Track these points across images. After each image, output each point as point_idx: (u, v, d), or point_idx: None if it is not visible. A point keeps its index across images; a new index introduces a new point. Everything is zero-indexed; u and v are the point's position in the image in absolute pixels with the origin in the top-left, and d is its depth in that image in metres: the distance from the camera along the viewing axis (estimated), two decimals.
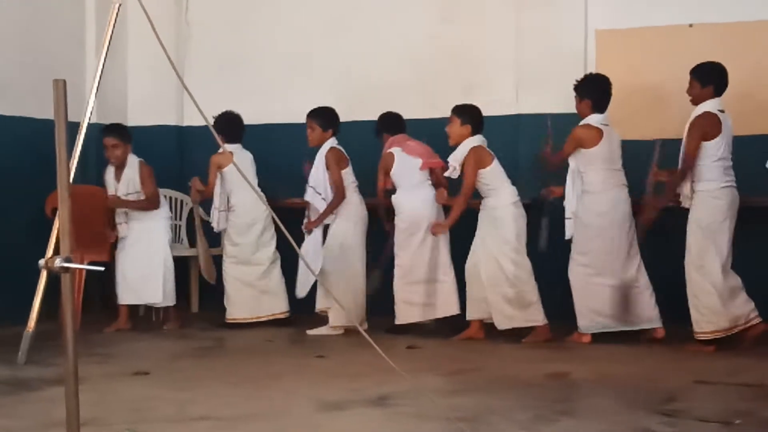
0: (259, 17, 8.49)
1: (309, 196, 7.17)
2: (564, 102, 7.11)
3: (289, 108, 8.22)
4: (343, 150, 7.20)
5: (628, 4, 7.48)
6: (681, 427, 4.13)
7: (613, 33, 7.47)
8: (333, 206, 7.07)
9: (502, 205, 6.74)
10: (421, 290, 6.97)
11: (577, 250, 6.56)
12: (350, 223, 7.15)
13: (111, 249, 7.59)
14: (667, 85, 7.21)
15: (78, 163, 2.74)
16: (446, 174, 6.87)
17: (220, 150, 7.27)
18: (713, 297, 6.13)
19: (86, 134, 2.76)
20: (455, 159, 6.76)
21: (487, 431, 4.10)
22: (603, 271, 6.50)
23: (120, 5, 2.73)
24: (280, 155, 8.02)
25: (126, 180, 7.30)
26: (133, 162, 7.31)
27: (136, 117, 8.53)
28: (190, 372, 5.67)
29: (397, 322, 7.00)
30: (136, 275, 7.28)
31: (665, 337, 6.48)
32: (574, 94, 6.62)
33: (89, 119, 2.84)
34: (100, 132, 7.32)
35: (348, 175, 7.18)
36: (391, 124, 7.31)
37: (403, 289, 7.00)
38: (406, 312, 7.00)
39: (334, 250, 7.06)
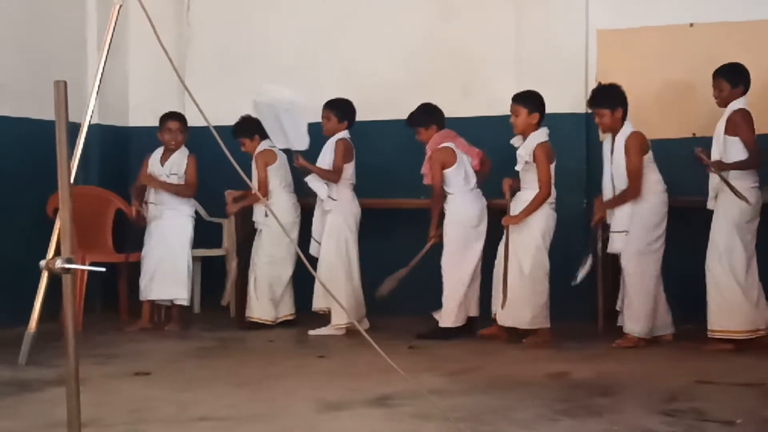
0: (259, 17, 8.49)
1: (311, 181, 7.14)
2: (564, 102, 7.12)
3: None
4: (352, 145, 7.18)
5: (629, 4, 7.48)
6: (682, 427, 4.13)
7: (614, 33, 7.48)
8: (325, 174, 7.04)
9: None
10: (468, 293, 6.93)
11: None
12: (341, 218, 7.12)
13: (114, 250, 7.61)
14: (668, 84, 7.23)
15: (79, 164, 2.74)
16: (517, 168, 6.65)
17: (261, 148, 7.37)
18: (738, 295, 6.12)
19: (87, 135, 2.77)
20: (526, 153, 6.55)
21: (486, 431, 4.10)
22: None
23: (121, 6, 2.73)
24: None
25: (171, 163, 7.37)
26: (183, 150, 7.40)
27: (137, 118, 8.54)
28: (192, 373, 5.68)
29: (446, 325, 6.81)
30: (163, 271, 7.29)
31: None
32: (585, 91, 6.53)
33: (90, 120, 2.84)
34: (163, 119, 7.41)
35: (349, 168, 7.16)
36: (436, 116, 7.06)
37: (460, 293, 6.83)
38: (457, 316, 6.84)
39: (331, 248, 7.05)
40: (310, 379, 5.37)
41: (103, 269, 2.82)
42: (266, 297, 7.32)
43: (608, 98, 6.46)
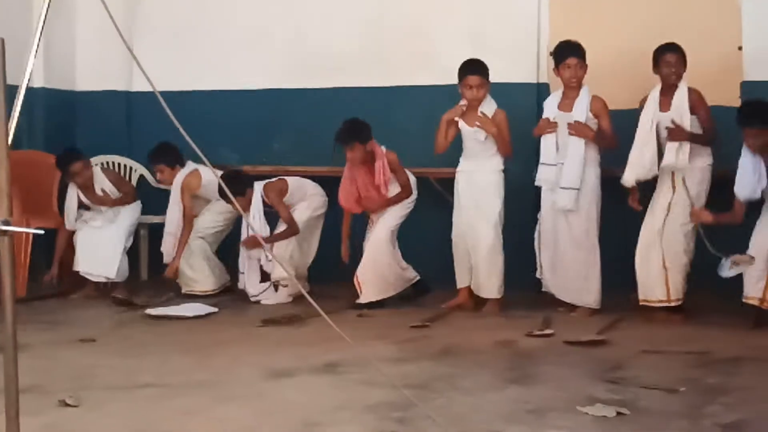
0: None
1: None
2: (517, 72, 7.11)
3: (239, 75, 8.14)
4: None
5: None
6: (626, 395, 4.17)
7: (567, 1, 7.46)
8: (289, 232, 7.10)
9: (497, 169, 6.67)
10: None
11: None
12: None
13: (59, 216, 7.51)
14: (621, 54, 7.22)
15: (24, 128, 2.69)
16: (479, 138, 6.59)
17: (182, 176, 7.38)
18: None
19: (33, 99, 2.70)
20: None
21: (433, 398, 4.11)
22: None
23: None
24: (231, 121, 7.95)
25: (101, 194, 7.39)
26: (101, 180, 7.39)
27: (84, 82, 8.38)
28: (138, 339, 5.62)
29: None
30: (96, 249, 7.23)
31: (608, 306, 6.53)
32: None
33: (33, 83, 2.77)
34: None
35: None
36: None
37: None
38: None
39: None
40: (257, 347, 5.35)
41: (41, 231, 2.76)
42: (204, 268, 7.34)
43: (582, 52, 6.45)
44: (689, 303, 6.31)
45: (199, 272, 7.32)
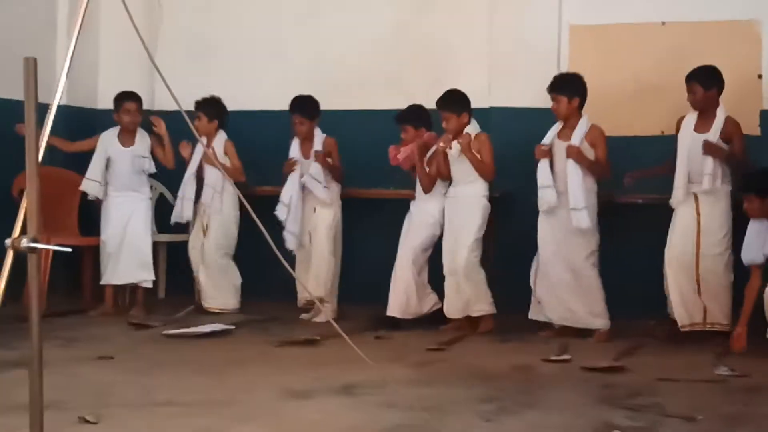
0: (232, 3, 8.44)
1: (309, 183, 7.19)
2: (536, 97, 7.12)
3: (259, 94, 8.20)
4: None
5: (602, 1, 7.50)
6: (644, 422, 4.16)
7: (587, 29, 7.49)
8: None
9: (479, 194, 6.78)
10: None
11: None
12: (337, 213, 7.30)
13: (80, 233, 7.55)
14: (640, 82, 7.25)
15: (46, 145, 2.71)
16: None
17: (224, 136, 7.51)
18: None
19: (55, 116, 2.73)
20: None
21: (451, 421, 4.11)
22: None
23: None
24: (250, 142, 7.98)
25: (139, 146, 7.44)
26: (141, 132, 7.45)
27: (107, 100, 8.42)
28: (155, 357, 5.63)
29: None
30: (127, 254, 7.25)
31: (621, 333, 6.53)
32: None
33: (59, 100, 2.81)
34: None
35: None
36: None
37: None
38: None
39: (332, 237, 7.21)
40: (274, 366, 5.36)
41: (69, 249, 2.79)
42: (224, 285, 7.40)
43: (568, 86, 6.55)
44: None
45: (221, 290, 7.35)
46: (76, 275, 7.76)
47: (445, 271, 6.83)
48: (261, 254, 7.12)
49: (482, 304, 6.74)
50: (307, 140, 7.30)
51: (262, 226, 3.73)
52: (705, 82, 6.39)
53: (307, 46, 8.20)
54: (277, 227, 6.97)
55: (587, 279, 6.53)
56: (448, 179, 6.96)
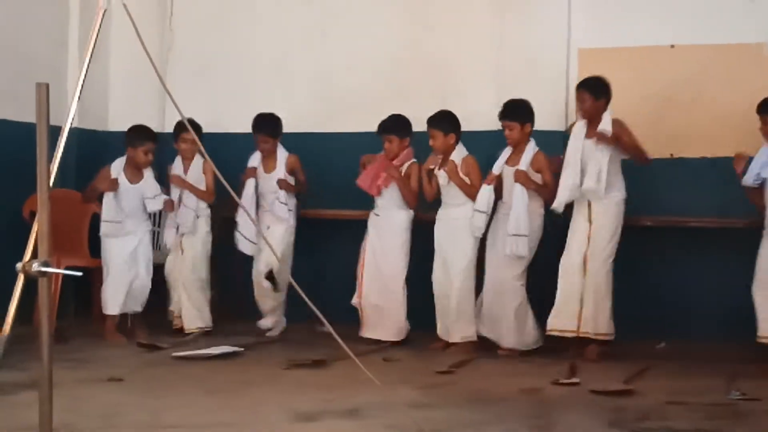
0: (241, 25, 8.49)
1: (277, 210, 7.31)
2: (544, 119, 7.14)
3: None
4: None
5: (611, 24, 7.53)
6: None
7: (595, 52, 7.51)
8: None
9: (469, 216, 6.84)
10: None
11: None
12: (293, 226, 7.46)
13: (90, 255, 7.57)
14: (648, 105, 7.26)
15: (57, 167, 2.73)
16: (441, 183, 6.92)
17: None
18: None
19: (66, 138, 2.75)
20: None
21: None
22: None
23: (105, 10, 2.73)
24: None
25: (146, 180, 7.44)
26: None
27: (117, 122, 8.50)
28: (164, 379, 5.64)
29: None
30: (136, 286, 7.29)
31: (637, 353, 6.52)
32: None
33: (67, 122, 2.83)
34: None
35: None
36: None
37: None
38: None
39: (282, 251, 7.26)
40: (282, 388, 5.36)
41: (80, 273, 2.81)
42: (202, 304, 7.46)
43: (521, 112, 6.73)
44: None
45: (201, 310, 7.41)
46: (86, 297, 7.77)
47: (436, 294, 6.93)
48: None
49: (466, 332, 6.83)
50: (269, 157, 7.41)
51: (271, 247, 3.75)
52: (595, 92, 6.58)
53: (314, 66, 8.24)
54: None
55: (512, 300, 6.69)
56: (432, 199, 7.05)
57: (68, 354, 6.20)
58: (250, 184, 7.36)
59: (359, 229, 7.38)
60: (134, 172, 7.37)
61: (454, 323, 6.85)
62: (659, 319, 7.02)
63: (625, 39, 7.44)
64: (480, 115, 7.23)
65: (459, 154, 6.94)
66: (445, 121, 6.95)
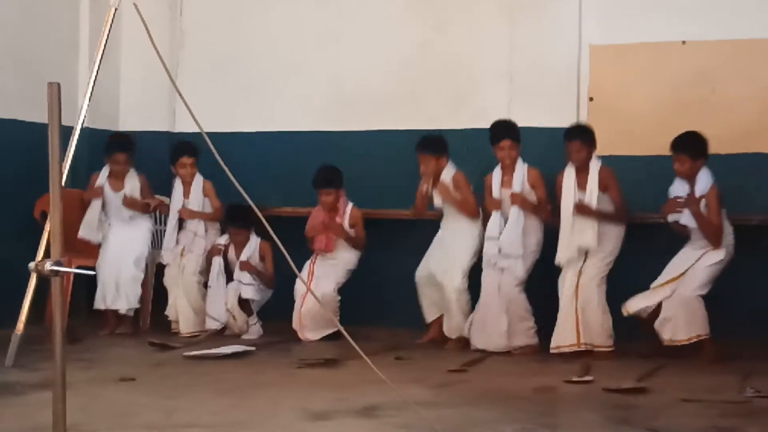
0: (252, 25, 8.48)
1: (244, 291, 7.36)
2: (556, 116, 7.12)
3: (279, 115, 8.22)
4: None
5: (622, 20, 7.49)
6: None
7: (607, 48, 7.48)
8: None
9: (468, 228, 7.03)
10: None
11: None
12: None
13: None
14: (660, 101, 7.24)
15: (69, 167, 2.72)
16: (437, 205, 7.10)
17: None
18: None
19: (78, 139, 2.75)
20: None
21: None
22: None
23: (116, 9, 2.72)
24: (271, 162, 8.02)
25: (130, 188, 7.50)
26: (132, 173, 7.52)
27: (128, 122, 8.51)
28: (176, 379, 5.64)
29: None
30: (115, 282, 7.28)
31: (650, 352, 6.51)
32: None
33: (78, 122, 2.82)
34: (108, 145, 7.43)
35: None
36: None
37: None
38: None
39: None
40: (295, 388, 5.35)
41: (93, 272, 2.81)
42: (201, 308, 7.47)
43: (516, 131, 6.87)
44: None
45: (200, 314, 7.43)
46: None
47: (436, 289, 7.01)
48: (278, 275, 7.21)
49: (465, 328, 6.91)
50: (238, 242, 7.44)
51: (283, 248, 3.74)
52: (590, 141, 6.67)
53: (326, 67, 8.22)
54: (295, 248, 6.98)
55: (516, 304, 6.78)
56: (419, 216, 7.17)
57: (80, 354, 6.21)
58: (215, 263, 7.40)
59: (371, 226, 7.37)
60: (116, 181, 7.45)
61: (454, 319, 6.92)
62: None
63: (636, 35, 7.41)
64: (492, 113, 7.20)
65: (448, 173, 7.04)
66: (434, 145, 7.05)
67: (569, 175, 6.72)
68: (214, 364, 6.19)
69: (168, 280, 7.52)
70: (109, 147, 7.44)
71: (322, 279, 7.24)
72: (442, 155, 7.05)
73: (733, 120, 7.01)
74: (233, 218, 7.35)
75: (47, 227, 2.52)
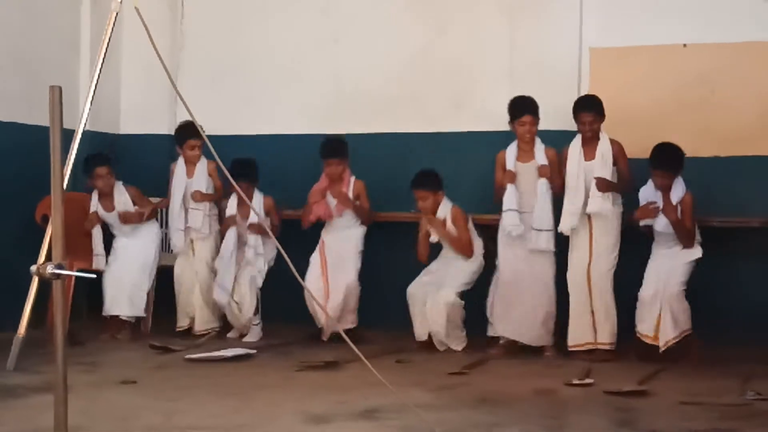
0: (253, 28, 8.49)
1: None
2: (557, 119, 7.13)
3: (280, 118, 8.23)
4: None
5: (623, 23, 7.49)
6: None
7: (608, 51, 7.49)
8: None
9: (469, 262, 7.07)
10: None
11: None
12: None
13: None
14: (661, 103, 7.24)
15: (71, 170, 2.73)
16: (433, 240, 7.06)
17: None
18: None
19: (79, 141, 2.75)
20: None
21: None
22: None
23: (117, 13, 2.73)
24: (271, 166, 8.01)
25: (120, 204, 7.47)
26: (119, 187, 7.47)
27: (129, 125, 8.52)
28: (178, 382, 5.64)
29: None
30: (129, 288, 7.32)
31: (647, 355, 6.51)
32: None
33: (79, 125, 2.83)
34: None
35: None
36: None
37: None
38: None
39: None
40: (296, 391, 5.36)
41: (94, 276, 2.81)
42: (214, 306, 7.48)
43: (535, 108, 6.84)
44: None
45: (214, 312, 7.46)
46: (99, 299, 7.77)
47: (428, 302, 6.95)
48: (279, 278, 7.21)
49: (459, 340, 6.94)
50: (243, 203, 7.38)
51: (283, 251, 3.75)
52: (600, 111, 6.68)
53: (326, 70, 8.23)
54: (295, 251, 6.99)
55: (548, 298, 6.77)
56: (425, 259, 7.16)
57: (81, 357, 6.21)
58: (230, 235, 7.38)
59: (372, 228, 7.38)
60: (106, 201, 7.44)
61: (450, 333, 6.91)
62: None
63: (637, 38, 7.41)
64: (492, 115, 7.21)
65: (445, 207, 7.03)
66: (432, 180, 7.05)
67: (575, 145, 6.73)
68: (215, 367, 6.19)
69: (180, 277, 7.50)
70: (87, 167, 7.31)
71: (338, 270, 7.20)
72: (439, 190, 7.05)
73: (734, 123, 7.01)
74: (238, 173, 7.29)
75: (48, 230, 2.52)
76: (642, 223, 6.59)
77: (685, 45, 7.34)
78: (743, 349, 6.49)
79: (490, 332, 6.93)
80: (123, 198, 7.46)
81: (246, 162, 7.25)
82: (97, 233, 7.41)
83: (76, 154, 2.79)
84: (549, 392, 5.45)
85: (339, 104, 8.09)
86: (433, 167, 7.12)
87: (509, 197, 6.76)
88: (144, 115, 8.40)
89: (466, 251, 7.00)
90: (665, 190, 6.53)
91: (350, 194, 7.29)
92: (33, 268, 2.46)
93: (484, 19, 7.86)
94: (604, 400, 5.21)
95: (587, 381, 5.68)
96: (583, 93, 7.39)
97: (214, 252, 7.52)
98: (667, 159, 6.52)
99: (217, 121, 7.47)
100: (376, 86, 8.03)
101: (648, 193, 6.62)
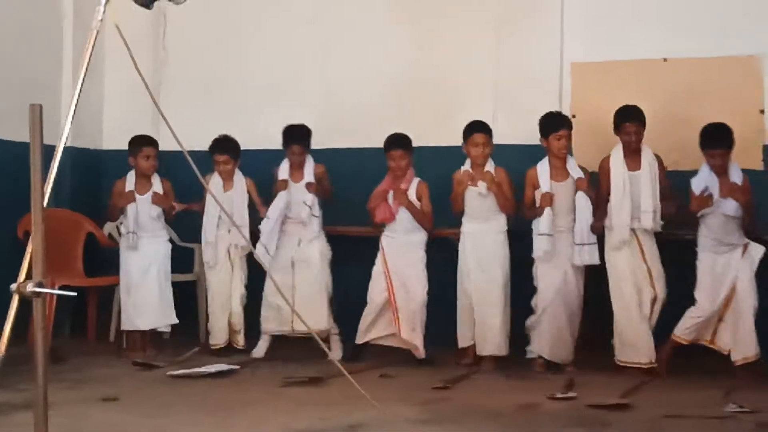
0: (236, 42, 8.49)
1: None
2: (538, 133, 7.14)
3: (265, 134, 8.21)
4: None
5: (604, 38, 7.54)
6: None
7: (589, 66, 7.53)
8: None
9: (502, 230, 6.95)
10: None
11: None
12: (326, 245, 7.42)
13: (85, 274, 7.54)
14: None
15: (52, 186, 2.73)
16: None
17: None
18: None
19: (61, 158, 2.75)
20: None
21: None
22: None
23: (98, 31, 2.73)
24: (259, 181, 8.00)
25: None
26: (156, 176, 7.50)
27: (111, 141, 8.50)
28: (161, 399, 5.61)
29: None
30: (154, 300, 7.30)
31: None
32: None
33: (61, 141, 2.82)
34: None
35: None
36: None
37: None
38: None
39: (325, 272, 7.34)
40: (280, 407, 5.34)
41: (74, 294, 2.80)
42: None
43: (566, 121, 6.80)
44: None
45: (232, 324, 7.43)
46: (81, 316, 7.75)
47: (476, 304, 6.85)
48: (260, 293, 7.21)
49: (498, 346, 6.78)
50: (298, 168, 7.35)
51: (265, 263, 3.75)
52: (644, 121, 6.61)
53: (313, 85, 8.23)
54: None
55: (578, 316, 6.73)
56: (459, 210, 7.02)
57: (64, 374, 6.18)
58: (282, 196, 7.31)
59: (361, 243, 7.37)
60: (142, 183, 7.39)
61: (495, 337, 6.77)
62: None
63: (617, 53, 7.46)
64: None
65: (490, 165, 6.92)
66: (408, 140, 7.05)
67: (617, 156, 6.63)
68: (198, 383, 6.16)
69: (212, 286, 7.41)
70: (134, 145, 7.38)
71: (405, 281, 6.98)
72: (412, 153, 7.00)
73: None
74: (292, 137, 7.33)
75: (29, 248, 2.51)
76: (700, 213, 6.39)
77: (665, 59, 7.39)
78: (727, 361, 6.49)
79: (462, 344, 6.89)
80: (158, 186, 7.45)
81: (300, 127, 7.33)
82: (130, 211, 7.32)
83: (60, 170, 2.79)
84: (532, 406, 5.45)
85: (326, 119, 8.09)
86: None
87: (545, 222, 6.62)
88: (127, 131, 8.34)
89: (511, 208, 6.87)
90: (722, 172, 6.37)
91: (412, 195, 7.09)
92: (13, 286, 2.45)
93: (471, 35, 7.87)
94: (587, 414, 5.21)
95: (570, 395, 5.69)
96: (565, 107, 7.43)
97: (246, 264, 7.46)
98: (720, 135, 6.38)
99: (202, 137, 7.47)
100: (365, 101, 8.04)
101: (701, 181, 6.41)
